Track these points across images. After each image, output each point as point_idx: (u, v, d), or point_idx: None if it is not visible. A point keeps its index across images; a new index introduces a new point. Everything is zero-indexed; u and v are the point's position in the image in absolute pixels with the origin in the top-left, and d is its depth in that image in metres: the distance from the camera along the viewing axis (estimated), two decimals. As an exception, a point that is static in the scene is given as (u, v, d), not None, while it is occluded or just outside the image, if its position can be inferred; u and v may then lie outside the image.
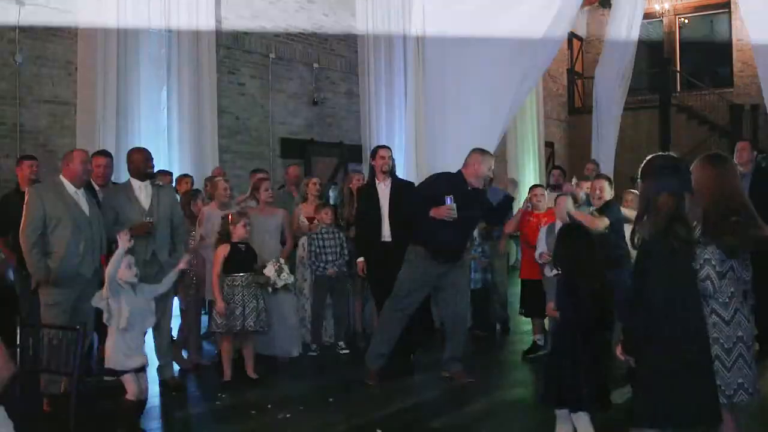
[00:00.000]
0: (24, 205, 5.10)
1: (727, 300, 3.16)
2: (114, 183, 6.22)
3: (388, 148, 7.01)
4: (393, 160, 6.90)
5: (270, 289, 5.92)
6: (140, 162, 5.57)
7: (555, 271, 4.45)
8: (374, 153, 6.81)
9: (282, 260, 6.04)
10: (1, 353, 1.90)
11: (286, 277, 5.92)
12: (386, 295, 5.90)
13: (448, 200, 5.51)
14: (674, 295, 3.03)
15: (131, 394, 4.49)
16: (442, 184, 5.75)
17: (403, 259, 5.78)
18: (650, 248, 3.08)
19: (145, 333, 4.84)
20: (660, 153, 3.31)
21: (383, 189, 6.58)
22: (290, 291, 6.41)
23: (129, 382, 4.50)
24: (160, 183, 5.87)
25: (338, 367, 6.40)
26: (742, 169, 6.96)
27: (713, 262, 3.14)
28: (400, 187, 6.58)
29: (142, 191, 5.55)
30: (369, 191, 6.72)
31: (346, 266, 6.90)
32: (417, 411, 5.12)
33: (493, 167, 5.82)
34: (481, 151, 5.81)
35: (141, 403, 4.63)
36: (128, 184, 5.62)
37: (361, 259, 6.69)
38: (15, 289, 6.24)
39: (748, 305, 3.23)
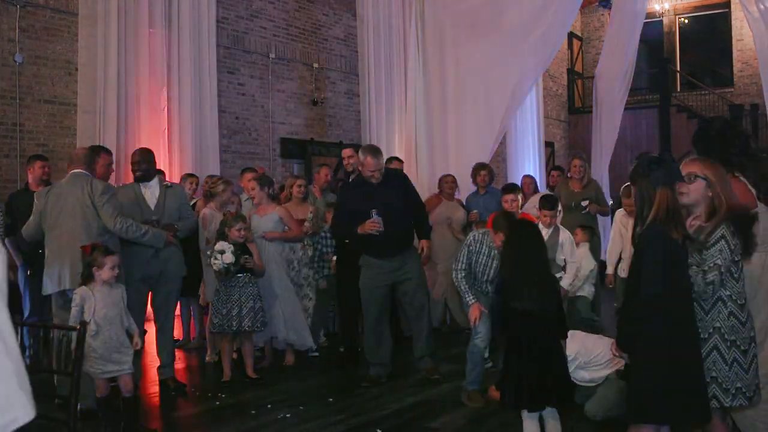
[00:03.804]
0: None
1: (743, 302, 3.19)
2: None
3: (351, 147, 6.99)
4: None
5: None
6: (131, 163, 5.68)
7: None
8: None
9: (226, 244, 5.68)
10: None
11: (230, 257, 5.63)
12: (347, 296, 6.18)
13: (374, 214, 5.54)
14: (665, 292, 3.05)
15: (99, 392, 4.47)
16: (350, 195, 5.83)
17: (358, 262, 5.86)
18: (645, 246, 3.10)
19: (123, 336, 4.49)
20: (641, 153, 3.37)
21: None
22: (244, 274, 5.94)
23: (101, 383, 4.48)
24: (169, 183, 5.89)
25: (338, 367, 6.41)
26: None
27: (719, 262, 3.14)
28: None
29: (148, 190, 5.59)
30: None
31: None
32: (416, 411, 5.12)
33: (375, 167, 5.59)
34: (362, 151, 5.73)
35: (131, 399, 4.56)
36: (136, 182, 5.65)
37: (334, 257, 6.70)
38: (18, 288, 6.25)
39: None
